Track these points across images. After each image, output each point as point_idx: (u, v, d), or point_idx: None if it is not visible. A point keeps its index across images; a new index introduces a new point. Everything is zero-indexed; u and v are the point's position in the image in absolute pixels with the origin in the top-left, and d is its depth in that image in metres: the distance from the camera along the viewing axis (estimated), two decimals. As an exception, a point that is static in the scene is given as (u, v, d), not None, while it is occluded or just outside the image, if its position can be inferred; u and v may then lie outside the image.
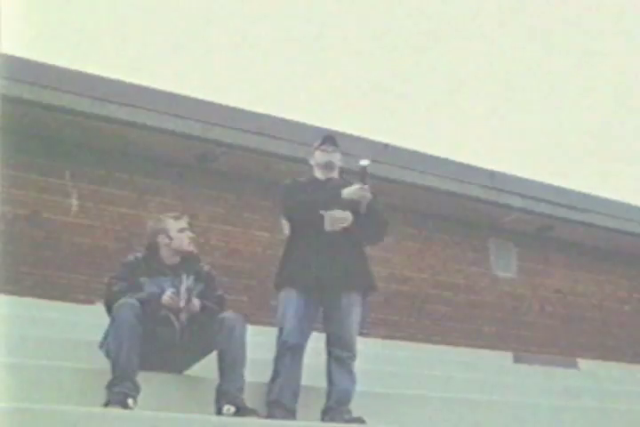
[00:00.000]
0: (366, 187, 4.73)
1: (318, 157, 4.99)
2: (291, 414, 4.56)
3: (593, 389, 7.10)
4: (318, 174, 4.99)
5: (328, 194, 4.78)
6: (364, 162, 4.83)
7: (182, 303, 4.38)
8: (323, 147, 4.99)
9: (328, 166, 4.96)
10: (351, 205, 4.75)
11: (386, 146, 9.79)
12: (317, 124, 8.98)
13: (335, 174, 5.00)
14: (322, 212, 4.71)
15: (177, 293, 4.39)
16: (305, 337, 4.70)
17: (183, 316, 4.43)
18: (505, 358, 9.37)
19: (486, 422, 5.38)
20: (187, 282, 4.45)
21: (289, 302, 4.70)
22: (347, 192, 4.74)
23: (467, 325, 10.36)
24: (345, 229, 4.72)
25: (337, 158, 5.01)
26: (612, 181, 18.91)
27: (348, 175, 5.07)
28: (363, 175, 4.82)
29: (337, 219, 4.71)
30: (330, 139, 5.03)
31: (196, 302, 4.46)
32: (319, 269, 4.66)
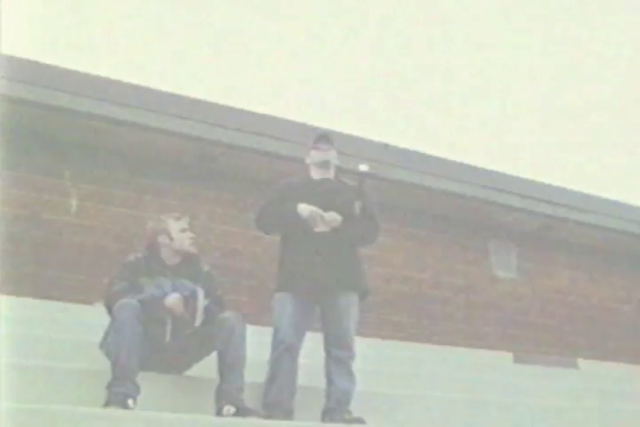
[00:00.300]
0: (318, 212, 4.65)
1: (314, 155, 4.96)
2: (289, 414, 4.56)
3: (593, 389, 7.10)
4: (314, 174, 4.97)
5: (318, 200, 4.74)
6: (363, 167, 4.81)
7: (198, 322, 4.39)
8: (318, 145, 4.96)
9: (324, 165, 4.94)
10: (343, 208, 4.74)
11: (386, 146, 9.79)
12: (317, 124, 8.98)
13: (331, 174, 4.98)
14: (312, 212, 4.69)
15: (181, 298, 4.39)
16: (301, 337, 4.69)
17: (189, 330, 4.43)
18: (505, 358, 9.36)
19: (486, 423, 5.38)
20: (204, 300, 4.45)
21: (285, 302, 4.69)
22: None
23: (467, 325, 10.35)
24: (336, 231, 4.71)
25: (333, 156, 4.98)
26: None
27: (344, 174, 5.06)
28: (361, 181, 4.81)
29: (326, 221, 4.69)
30: (324, 137, 5.00)
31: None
32: (315, 271, 4.65)
